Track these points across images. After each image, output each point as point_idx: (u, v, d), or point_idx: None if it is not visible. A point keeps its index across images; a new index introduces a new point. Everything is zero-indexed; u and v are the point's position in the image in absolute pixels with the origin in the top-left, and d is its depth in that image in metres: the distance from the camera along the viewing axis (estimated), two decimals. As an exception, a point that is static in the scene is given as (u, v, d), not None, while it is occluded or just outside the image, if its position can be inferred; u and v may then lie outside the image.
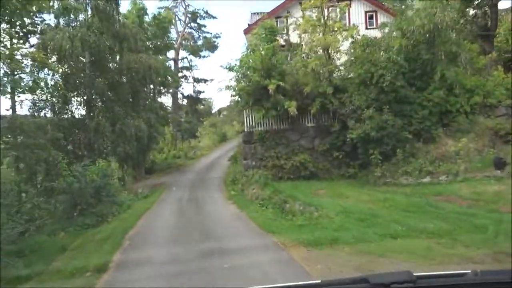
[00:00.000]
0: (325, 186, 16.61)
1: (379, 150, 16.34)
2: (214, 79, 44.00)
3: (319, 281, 2.06)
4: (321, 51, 18.65)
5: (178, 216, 14.71)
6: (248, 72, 17.96)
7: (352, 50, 18.21)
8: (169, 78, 31.32)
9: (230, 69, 19.21)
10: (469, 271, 1.88)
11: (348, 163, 18.04)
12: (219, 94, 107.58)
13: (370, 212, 12.23)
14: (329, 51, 18.39)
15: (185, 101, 46.80)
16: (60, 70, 22.08)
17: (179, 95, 44.66)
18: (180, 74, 43.93)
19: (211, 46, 44.02)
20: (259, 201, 15.83)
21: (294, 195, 15.23)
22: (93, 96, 21.74)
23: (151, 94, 24.34)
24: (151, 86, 24.43)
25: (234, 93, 19.40)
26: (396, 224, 10.88)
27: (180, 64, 43.44)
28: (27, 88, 16.95)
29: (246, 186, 17.65)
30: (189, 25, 43.84)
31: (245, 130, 19.12)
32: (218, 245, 9.79)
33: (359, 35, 18.47)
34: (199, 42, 43.32)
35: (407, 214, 12.01)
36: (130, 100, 23.55)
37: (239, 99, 20.57)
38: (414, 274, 1.77)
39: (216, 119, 67.15)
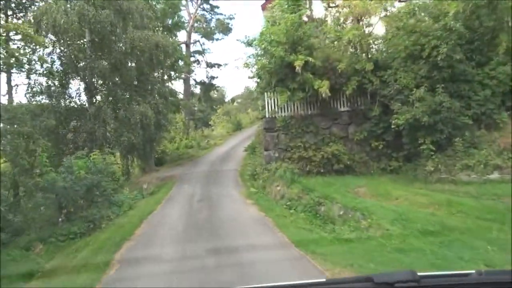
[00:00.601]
0: (364, 183, 13.57)
1: (431, 138, 13.23)
2: (228, 64, 41.02)
3: (324, 279, 2.27)
4: (356, 21, 15.45)
5: (187, 221, 11.90)
6: (270, 47, 14.89)
7: (394, 20, 14.96)
8: (180, 62, 28.35)
9: (249, 43, 16.22)
10: (473, 271, 1.87)
11: (389, 154, 14.93)
12: (233, 81, 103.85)
13: (436, 221, 9.22)
14: (367, 20, 15.17)
15: (197, 88, 44.00)
16: (58, 50, 19.42)
17: (191, 81, 41.83)
18: (192, 59, 41.02)
19: (225, 29, 40.88)
20: (285, 201, 12.96)
21: (329, 195, 12.30)
22: (94, 79, 18.99)
23: (160, 78, 21.46)
24: (160, 69, 21.52)
25: (253, 72, 16.43)
26: (480, 240, 7.91)
27: (192, 48, 40.50)
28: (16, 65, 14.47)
29: (268, 182, 14.78)
30: (201, 6, 40.73)
31: (266, 116, 16.14)
32: (239, 272, 6.95)
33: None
34: (212, 24, 40.23)
35: (486, 224, 8.98)
36: (136, 83, 20.73)
37: (259, 80, 17.60)
38: (418, 273, 1.75)
39: (230, 107, 64.48)
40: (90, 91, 19.33)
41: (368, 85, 14.54)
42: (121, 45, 19.16)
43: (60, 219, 10.87)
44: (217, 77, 41.92)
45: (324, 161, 15.00)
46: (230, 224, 11.01)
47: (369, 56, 14.88)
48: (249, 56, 16.33)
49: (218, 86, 43.62)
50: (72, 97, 19.02)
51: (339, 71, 14.65)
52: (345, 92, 15.04)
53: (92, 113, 18.44)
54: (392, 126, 13.63)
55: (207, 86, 42.55)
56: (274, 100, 16.02)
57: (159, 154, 28.54)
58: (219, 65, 41.52)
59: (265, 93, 16.20)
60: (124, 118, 18.77)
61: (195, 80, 42.79)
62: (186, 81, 39.09)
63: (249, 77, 21.40)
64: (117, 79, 19.60)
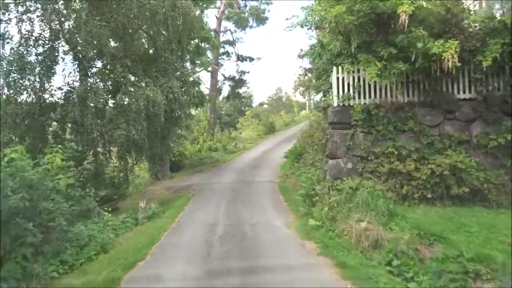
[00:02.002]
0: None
1: None
2: (262, 58, 35.12)
3: None
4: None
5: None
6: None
7: None
8: (204, 43, 22.53)
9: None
10: None
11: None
12: (263, 81, 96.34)
13: None
14: None
15: (226, 85, 38.31)
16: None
17: (220, 76, 36.17)
18: (221, 50, 35.39)
19: (260, 18, 35.07)
20: (384, 256, 6.72)
21: (481, 253, 6.01)
22: (87, 49, 13.38)
23: (178, 54, 15.69)
24: (178, 41, 15.72)
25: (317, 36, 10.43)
26: None
27: (222, 38, 34.84)
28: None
29: (340, 212, 8.57)
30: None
31: (335, 103, 9.96)
32: None
33: None
34: (246, 12, 34.42)
35: None
36: (143, 58, 15.02)
37: (319, 50, 11.49)
38: None
39: (259, 109, 58.93)
40: (80, 65, 13.74)
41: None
42: (125, 3, 13.46)
43: None
44: (248, 72, 36.11)
45: (433, 180, 8.73)
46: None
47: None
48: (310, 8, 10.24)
49: (249, 83, 37.62)
50: (54, 74, 13.37)
51: (468, 28, 8.43)
52: (474, 66, 8.75)
53: (79, 94, 12.81)
54: None
55: (237, 82, 36.76)
56: (350, 78, 9.87)
57: (176, 156, 22.81)
58: (251, 59, 35.71)
59: (334, 68, 10.05)
60: (122, 104, 13.04)
61: (223, 75, 37.18)
62: (214, 75, 33.45)
63: (300, 55, 15.39)
64: (117, 50, 13.94)
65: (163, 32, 15.04)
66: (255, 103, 62.66)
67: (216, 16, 32.98)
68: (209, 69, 32.78)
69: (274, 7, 73.99)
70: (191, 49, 20.58)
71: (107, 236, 8.24)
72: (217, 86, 36.01)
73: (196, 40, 20.67)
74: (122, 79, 13.57)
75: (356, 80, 9.78)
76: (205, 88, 31.47)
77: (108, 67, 13.59)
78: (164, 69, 15.41)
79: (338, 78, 9.96)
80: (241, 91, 37.54)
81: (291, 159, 17.24)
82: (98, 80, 13.74)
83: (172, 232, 9.22)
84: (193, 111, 23.45)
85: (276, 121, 37.00)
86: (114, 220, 9.36)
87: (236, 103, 55.40)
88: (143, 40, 15.49)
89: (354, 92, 9.83)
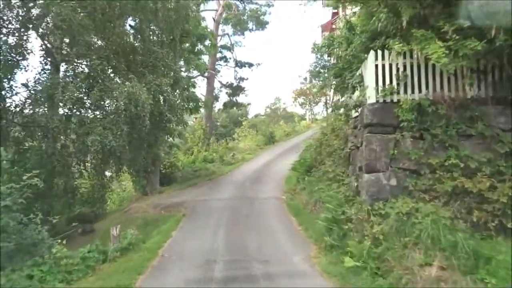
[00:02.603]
0: None
1: None
2: (262, 63, 32.78)
3: None
4: None
5: None
6: None
7: None
8: (201, 44, 20.09)
9: None
10: None
11: None
12: (261, 91, 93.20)
13: None
14: None
15: (223, 92, 35.77)
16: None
17: (216, 83, 33.67)
18: (218, 55, 33.03)
19: (260, 22, 32.83)
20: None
21: None
22: (55, 33, 10.84)
23: (169, 47, 13.15)
24: (170, 33, 13.24)
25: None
26: None
27: (219, 42, 32.47)
28: None
29: (392, 249, 5.97)
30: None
31: (374, 98, 7.39)
32: None
33: None
34: (245, 16, 32.13)
35: None
36: (126, 50, 12.46)
37: (346, 34, 9.05)
38: None
39: (256, 119, 56.64)
40: (49, 56, 11.17)
41: None
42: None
43: None
44: (247, 79, 33.64)
45: (517, 204, 6.21)
46: None
47: None
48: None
49: (247, 90, 35.12)
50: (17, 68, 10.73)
51: None
52: None
53: (45, 91, 10.21)
54: None
55: (235, 90, 34.25)
56: (394, 65, 7.37)
57: (167, 168, 20.15)
58: (250, 65, 33.32)
59: (371, 53, 7.54)
60: (97, 103, 10.45)
61: (220, 82, 34.69)
62: (210, 81, 30.99)
63: (315, 48, 13.00)
64: (94, 38, 11.40)
65: (152, 21, 12.54)
66: (250, 114, 60.53)
67: (214, 18, 30.68)
68: (206, 74, 30.34)
69: (275, 13, 72.18)
70: (186, 46, 18.14)
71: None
72: (214, 94, 33.50)
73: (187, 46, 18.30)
74: (99, 73, 10.99)
75: (401, 69, 7.29)
76: (200, 94, 29.01)
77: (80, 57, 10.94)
78: (153, 65, 12.87)
79: (376, 66, 7.45)
80: (239, 99, 34.96)
81: (300, 172, 14.65)
82: (69, 74, 11.11)
83: (151, 275, 6.52)
84: (187, 117, 20.84)
85: (276, 131, 34.49)
86: (70, 256, 6.67)
87: (233, 113, 53.00)
88: (128, 28, 12.97)
89: (398, 85, 7.33)
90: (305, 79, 54.37)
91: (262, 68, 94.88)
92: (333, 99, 21.75)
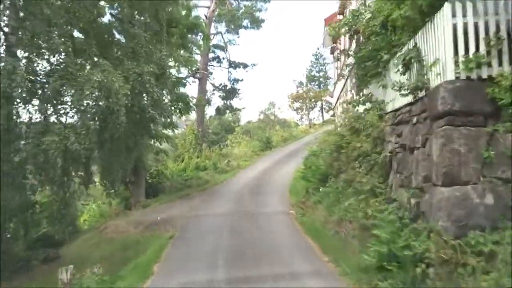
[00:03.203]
0: None
1: None
2: (257, 64, 30.46)
3: None
4: None
5: None
6: None
7: None
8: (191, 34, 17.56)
9: None
10: None
11: None
12: (255, 95, 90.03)
13: None
14: None
15: (215, 96, 33.20)
16: None
17: (209, 86, 31.12)
18: (211, 55, 30.56)
19: (255, 20, 30.44)
20: None
21: None
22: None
23: (154, 32, 10.62)
24: (155, 17, 10.71)
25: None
26: None
27: (212, 41, 29.98)
28: None
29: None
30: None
31: (450, 75, 4.92)
32: None
33: None
34: (239, 12, 29.69)
35: None
36: (100, 32, 9.84)
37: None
38: None
39: (250, 125, 54.19)
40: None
41: None
42: None
43: None
44: (242, 80, 31.14)
45: None
46: None
47: None
48: None
49: (242, 93, 32.55)
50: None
51: None
52: None
53: None
54: None
55: (228, 92, 31.71)
56: (481, 24, 4.92)
57: (154, 177, 17.49)
58: (245, 65, 30.89)
59: (446, 6, 5.06)
60: (56, 93, 7.83)
61: (213, 84, 32.14)
62: (202, 82, 28.43)
63: (335, 27, 10.54)
64: (55, 13, 8.79)
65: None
66: (242, 121, 58.27)
67: (206, 16, 28.21)
68: (197, 75, 27.80)
69: (271, 15, 69.84)
70: (174, 39, 15.59)
71: None
72: (206, 97, 30.92)
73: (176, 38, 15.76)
74: (62, 55, 8.38)
75: (492, 29, 4.86)
76: (192, 96, 26.41)
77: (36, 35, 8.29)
78: (133, 51, 10.27)
79: (455, 25, 4.98)
80: (233, 103, 32.40)
81: (313, 182, 12.11)
82: (22, 56, 8.48)
83: None
84: (176, 120, 18.26)
85: (273, 137, 32.01)
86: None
87: (224, 120, 50.44)
88: (103, 4, 10.36)
89: (489, 53, 4.87)
90: (300, 83, 52.40)
91: (255, 73, 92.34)
92: (339, 97, 19.43)
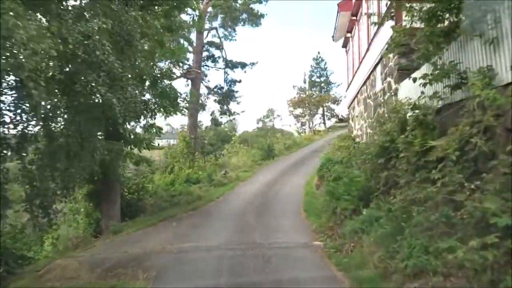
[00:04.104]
0: None
1: None
2: (257, 62, 27.02)
3: None
4: None
5: None
6: None
7: None
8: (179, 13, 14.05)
9: None
10: None
11: None
12: (253, 100, 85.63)
13: None
14: None
15: (210, 100, 29.68)
16: None
17: (203, 89, 27.61)
18: (205, 54, 27.14)
19: (253, 14, 27.10)
20: None
21: None
22: None
23: None
24: None
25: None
26: None
27: (206, 38, 26.58)
28: None
29: None
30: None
31: None
32: None
33: None
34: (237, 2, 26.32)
35: None
36: None
37: None
38: None
39: (248, 134, 50.83)
40: None
41: None
42: None
43: None
44: (240, 81, 27.71)
45: None
46: None
47: None
48: None
49: (240, 96, 29.06)
50: None
51: None
52: None
53: None
54: None
55: (225, 96, 28.23)
56: None
57: (133, 192, 13.81)
58: (243, 65, 27.46)
59: None
60: None
61: (208, 87, 28.64)
62: (195, 82, 24.92)
63: None
64: None
65: None
66: (239, 130, 55.14)
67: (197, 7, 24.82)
68: (190, 75, 24.31)
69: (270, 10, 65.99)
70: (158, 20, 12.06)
71: None
72: (200, 100, 27.37)
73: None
74: None
75: None
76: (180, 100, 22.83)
77: None
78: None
79: None
80: (230, 107, 28.89)
81: (348, 200, 8.41)
82: None
83: None
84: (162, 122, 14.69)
85: (275, 144, 28.43)
86: None
87: (220, 131, 47.27)
88: None
89: None
90: (301, 88, 49.04)
91: (253, 78, 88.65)
92: (357, 93, 15.89)
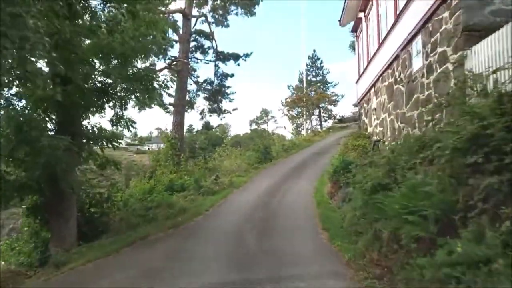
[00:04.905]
0: None
1: None
2: (252, 53, 23.86)
3: None
4: None
5: None
6: None
7: None
8: None
9: None
10: None
11: None
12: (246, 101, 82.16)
13: None
14: None
15: (200, 97, 26.44)
16: None
17: (190, 84, 24.40)
18: (193, 44, 23.93)
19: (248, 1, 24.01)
20: None
21: None
22: None
23: None
24: None
25: None
26: None
27: (193, 26, 23.37)
28: None
29: None
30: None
31: None
32: None
33: None
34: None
35: None
36: None
37: None
38: None
39: (240, 137, 47.72)
40: None
41: None
42: None
43: None
44: (232, 75, 24.52)
45: None
46: None
47: None
48: None
49: (233, 93, 25.85)
50: None
51: None
52: None
53: None
54: None
55: (215, 92, 25.01)
56: None
57: (95, 205, 10.48)
58: (236, 57, 24.28)
59: None
60: None
61: (196, 82, 25.42)
62: (182, 75, 21.67)
63: None
64: None
65: None
66: (231, 133, 52.14)
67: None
68: (175, 66, 21.07)
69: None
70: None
71: None
72: (187, 97, 24.12)
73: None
74: None
75: None
76: (166, 95, 19.62)
77: None
78: None
79: None
80: (221, 105, 25.64)
81: (416, 224, 5.23)
82: None
83: None
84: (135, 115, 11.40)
85: (272, 146, 25.23)
86: None
87: (211, 134, 44.21)
88: None
89: None
90: (297, 87, 45.97)
91: (246, 75, 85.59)
92: (376, 80, 12.83)
